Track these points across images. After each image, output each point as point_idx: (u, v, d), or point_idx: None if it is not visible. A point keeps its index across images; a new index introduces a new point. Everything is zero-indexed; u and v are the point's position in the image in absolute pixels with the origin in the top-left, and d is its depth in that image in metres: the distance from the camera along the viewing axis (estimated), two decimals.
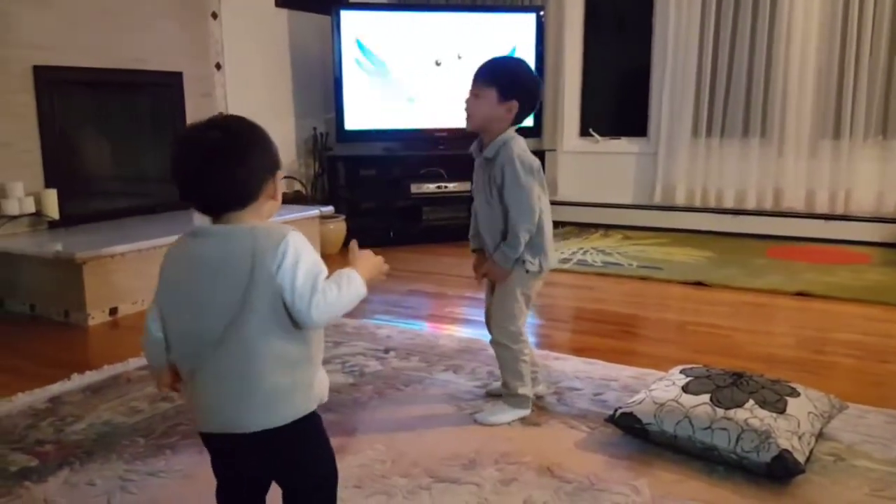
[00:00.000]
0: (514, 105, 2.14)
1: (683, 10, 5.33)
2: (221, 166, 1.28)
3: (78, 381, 2.61)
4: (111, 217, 4.13)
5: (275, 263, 1.23)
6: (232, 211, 1.31)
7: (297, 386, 1.30)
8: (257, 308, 1.23)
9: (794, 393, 2.08)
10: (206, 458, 2.01)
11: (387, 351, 2.90)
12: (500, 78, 2.14)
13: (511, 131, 2.18)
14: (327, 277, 1.29)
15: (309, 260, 1.26)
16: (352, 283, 1.31)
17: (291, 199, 5.08)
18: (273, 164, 1.34)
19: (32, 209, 3.72)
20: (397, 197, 5.23)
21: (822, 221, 5.11)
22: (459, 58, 5.27)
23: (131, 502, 1.82)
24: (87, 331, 3.29)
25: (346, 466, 1.96)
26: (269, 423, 1.27)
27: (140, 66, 4.23)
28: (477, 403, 2.39)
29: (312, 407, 1.34)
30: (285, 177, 5.15)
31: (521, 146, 2.16)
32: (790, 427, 1.92)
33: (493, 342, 2.30)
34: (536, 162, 2.18)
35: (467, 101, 2.18)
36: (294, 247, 1.24)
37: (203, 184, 1.29)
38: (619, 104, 6.12)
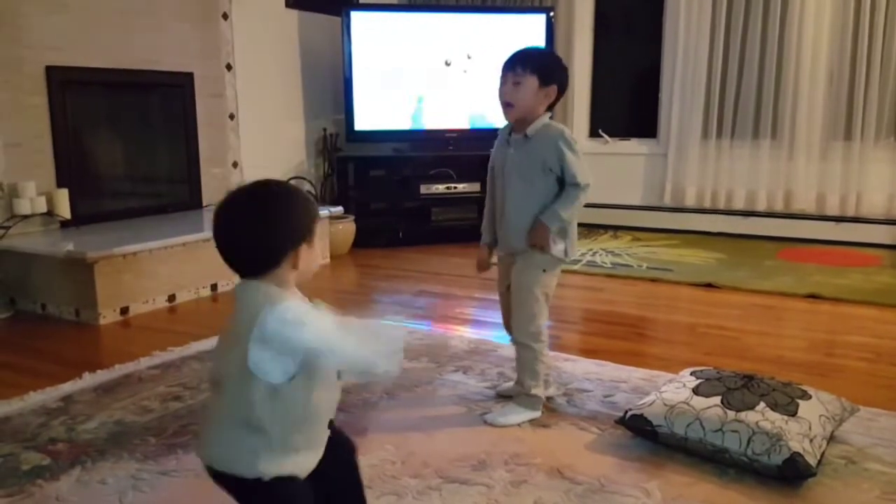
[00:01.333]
0: (554, 90, 2.19)
1: (694, 10, 5.31)
2: (239, 232, 1.30)
3: (90, 380, 2.62)
4: (122, 217, 4.15)
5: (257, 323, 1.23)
6: (249, 276, 1.31)
7: (249, 447, 1.27)
8: (241, 361, 1.24)
9: (806, 396, 2.07)
10: None
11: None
12: (539, 65, 2.17)
13: (547, 115, 2.22)
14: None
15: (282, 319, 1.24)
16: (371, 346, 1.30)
17: None
18: (297, 235, 1.31)
19: (44, 209, 3.74)
20: (406, 197, 5.23)
21: (833, 223, 5.09)
22: (469, 58, 5.27)
23: (143, 501, 1.83)
24: (98, 330, 3.31)
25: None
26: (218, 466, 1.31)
27: (151, 67, 4.25)
28: (487, 404, 2.39)
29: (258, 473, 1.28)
30: (294, 178, 5.20)
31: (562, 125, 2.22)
32: (801, 430, 1.92)
33: (514, 342, 2.30)
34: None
35: (505, 91, 2.18)
36: (275, 314, 1.23)
37: (221, 245, 1.30)
38: (628, 105, 6.10)
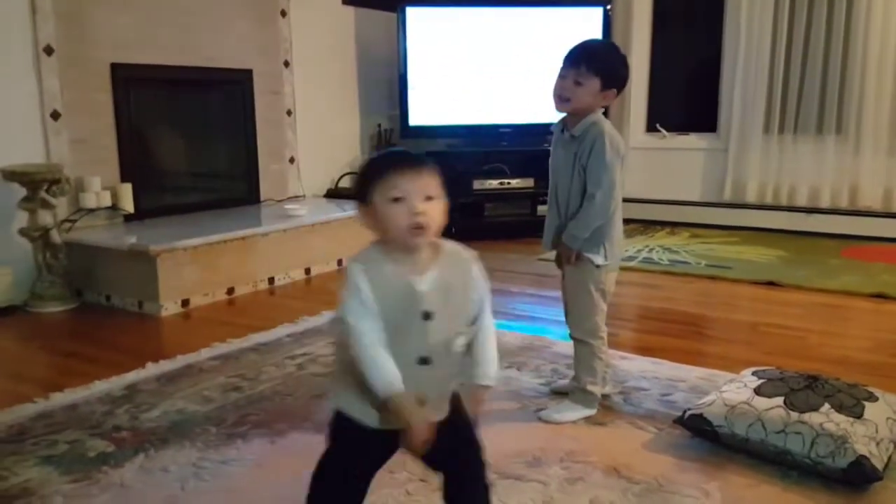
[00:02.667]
0: (613, 94, 2.16)
1: (756, 1, 5.20)
2: None
3: (153, 369, 2.69)
4: (183, 211, 4.24)
5: None
6: None
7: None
8: None
9: (872, 397, 2.01)
10: (276, 448, 2.06)
11: None
12: (604, 69, 2.13)
13: (599, 112, 2.18)
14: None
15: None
16: (372, 371, 1.30)
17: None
18: (358, 196, 1.39)
19: (109, 203, 3.84)
20: (460, 193, 5.22)
21: None
22: (525, 52, 5.23)
23: (204, 489, 1.87)
24: (160, 321, 3.39)
25: (412, 460, 1.97)
26: None
27: (212, 64, 4.32)
28: (541, 401, 2.37)
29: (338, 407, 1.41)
30: (348, 173, 5.24)
31: (610, 126, 2.16)
32: (868, 432, 1.86)
33: (571, 337, 2.29)
34: (623, 144, 2.18)
35: (564, 86, 2.15)
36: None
37: None
38: (687, 99, 6.00)
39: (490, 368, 1.43)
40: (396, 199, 1.32)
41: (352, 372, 1.33)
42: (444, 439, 1.36)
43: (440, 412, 1.38)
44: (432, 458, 1.42)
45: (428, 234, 1.33)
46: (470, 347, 1.42)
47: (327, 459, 1.46)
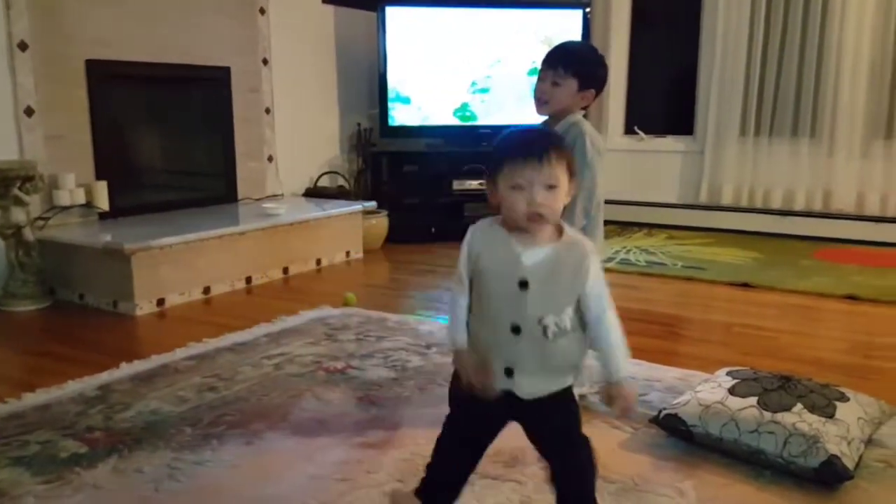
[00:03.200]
0: (591, 94, 2.17)
1: (733, 6, 5.25)
2: None
3: (127, 369, 2.66)
4: (160, 209, 4.20)
5: None
6: None
7: None
8: None
9: (844, 397, 2.04)
10: (252, 449, 2.05)
11: (428, 346, 2.91)
12: (581, 69, 2.14)
13: (579, 114, 2.19)
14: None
15: None
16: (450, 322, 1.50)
17: (335, 194, 5.12)
18: (488, 173, 1.45)
19: (83, 200, 3.80)
20: (440, 193, 5.23)
21: (873, 223, 4.99)
22: (505, 54, 5.25)
23: (178, 490, 1.85)
24: (134, 320, 3.36)
25: (390, 461, 1.97)
26: None
27: (190, 61, 4.29)
28: None
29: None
30: (328, 172, 5.23)
31: (590, 126, 2.17)
32: (839, 432, 1.88)
33: None
34: (603, 144, 2.19)
35: (543, 88, 2.16)
36: None
37: None
38: (665, 102, 6.05)
39: (619, 362, 1.47)
40: (516, 187, 1.38)
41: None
42: (543, 430, 1.52)
43: (532, 387, 1.45)
44: (538, 445, 1.56)
45: (545, 222, 1.39)
46: (597, 349, 1.48)
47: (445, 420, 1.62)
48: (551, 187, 1.37)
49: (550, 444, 1.54)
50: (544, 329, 1.40)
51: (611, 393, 1.47)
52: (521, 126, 1.49)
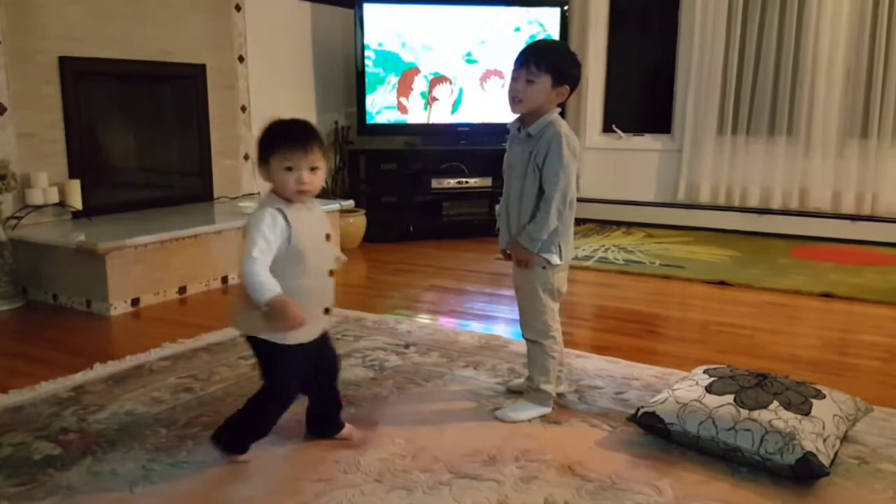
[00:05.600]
0: (566, 90, 2.17)
1: (710, 5, 5.28)
2: None
3: (101, 370, 2.63)
4: (134, 208, 4.15)
5: None
6: None
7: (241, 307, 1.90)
8: None
9: (820, 395, 2.05)
10: None
11: (407, 346, 2.90)
12: (554, 65, 2.14)
13: (555, 112, 2.19)
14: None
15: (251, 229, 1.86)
16: (255, 287, 1.83)
17: None
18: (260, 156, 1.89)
19: (56, 199, 3.75)
20: (418, 192, 5.22)
21: (849, 222, 5.05)
22: (482, 51, 5.25)
23: (153, 492, 1.83)
24: (108, 321, 3.32)
25: (368, 460, 1.96)
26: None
27: (164, 58, 4.25)
28: (498, 400, 2.38)
29: (255, 332, 1.91)
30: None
31: (566, 125, 2.17)
32: (815, 429, 1.90)
33: (524, 337, 2.29)
34: (579, 144, 2.19)
35: (517, 87, 2.16)
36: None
37: None
38: (643, 100, 6.07)
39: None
40: (288, 168, 1.82)
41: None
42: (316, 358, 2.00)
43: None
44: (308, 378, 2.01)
45: (310, 195, 1.87)
46: None
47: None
48: (314, 169, 1.84)
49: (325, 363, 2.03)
50: (337, 264, 2.00)
51: None
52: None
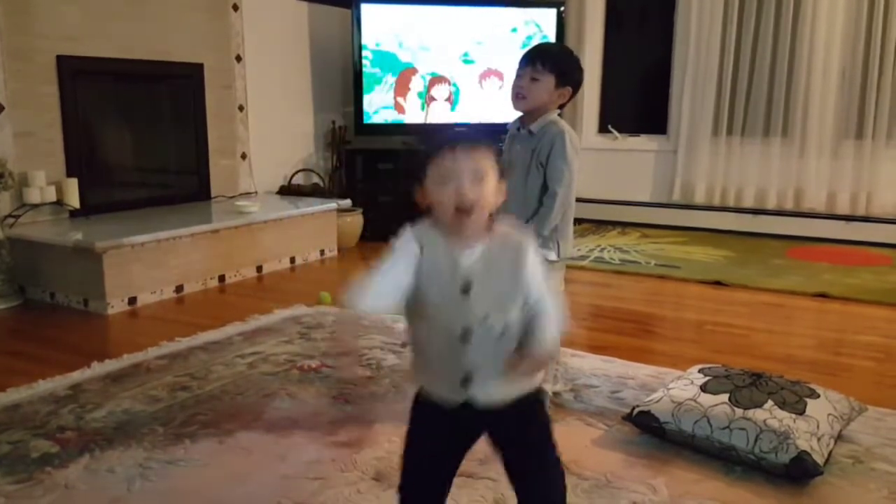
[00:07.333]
0: (568, 92, 2.20)
1: (706, 5, 5.29)
2: None
3: (98, 369, 2.63)
4: (131, 207, 4.15)
5: None
6: None
7: None
8: None
9: (814, 394, 2.06)
10: (225, 448, 2.04)
11: (403, 345, 2.90)
12: (558, 66, 2.17)
13: (556, 112, 2.22)
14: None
15: None
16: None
17: (309, 191, 5.10)
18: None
19: (54, 198, 3.75)
20: (415, 191, 5.21)
21: (844, 222, 5.07)
22: (479, 52, 5.25)
23: (150, 490, 1.84)
24: (106, 319, 3.32)
25: (364, 459, 1.97)
26: None
27: (162, 58, 4.25)
28: None
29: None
30: (302, 170, 5.20)
31: (567, 125, 2.20)
32: (809, 428, 1.91)
33: None
34: (579, 143, 2.22)
35: (521, 84, 2.19)
36: None
37: None
38: (638, 101, 6.09)
39: (541, 338, 1.34)
40: (443, 181, 1.31)
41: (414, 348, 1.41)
42: (512, 445, 1.41)
43: (492, 393, 1.35)
44: (506, 463, 1.43)
45: (474, 215, 1.30)
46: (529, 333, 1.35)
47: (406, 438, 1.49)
48: (478, 179, 1.30)
49: (520, 462, 1.42)
50: (490, 329, 1.32)
51: (516, 358, 1.34)
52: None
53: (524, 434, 1.41)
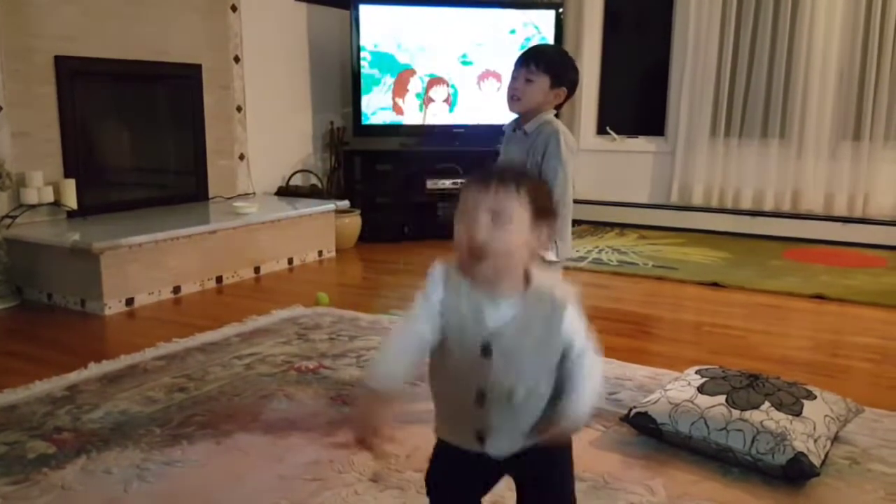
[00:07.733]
0: (563, 93, 2.21)
1: (704, 8, 5.30)
2: None
3: (95, 369, 2.63)
4: (129, 208, 4.15)
5: None
6: None
7: None
8: None
9: (811, 396, 2.07)
10: (222, 449, 2.04)
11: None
12: (553, 67, 2.19)
13: (551, 113, 2.23)
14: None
15: None
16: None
17: (307, 192, 5.10)
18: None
19: (51, 199, 3.74)
20: (413, 192, 5.23)
21: (841, 224, 5.07)
22: (477, 53, 5.26)
23: (147, 491, 1.83)
24: (103, 320, 3.32)
25: (362, 460, 1.97)
26: None
27: (160, 58, 4.24)
28: None
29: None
30: (300, 171, 5.20)
31: (562, 125, 2.21)
32: (806, 430, 1.91)
33: None
34: (575, 143, 2.22)
35: (516, 86, 2.20)
36: None
37: None
38: (637, 103, 6.09)
39: (574, 405, 1.20)
40: (460, 218, 1.17)
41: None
42: (532, 488, 1.33)
43: (511, 448, 1.25)
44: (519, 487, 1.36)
45: (487, 262, 1.16)
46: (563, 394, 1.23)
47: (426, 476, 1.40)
48: (498, 218, 1.14)
49: (536, 502, 1.35)
50: (510, 396, 1.20)
51: (547, 427, 1.23)
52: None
53: (547, 477, 1.32)
